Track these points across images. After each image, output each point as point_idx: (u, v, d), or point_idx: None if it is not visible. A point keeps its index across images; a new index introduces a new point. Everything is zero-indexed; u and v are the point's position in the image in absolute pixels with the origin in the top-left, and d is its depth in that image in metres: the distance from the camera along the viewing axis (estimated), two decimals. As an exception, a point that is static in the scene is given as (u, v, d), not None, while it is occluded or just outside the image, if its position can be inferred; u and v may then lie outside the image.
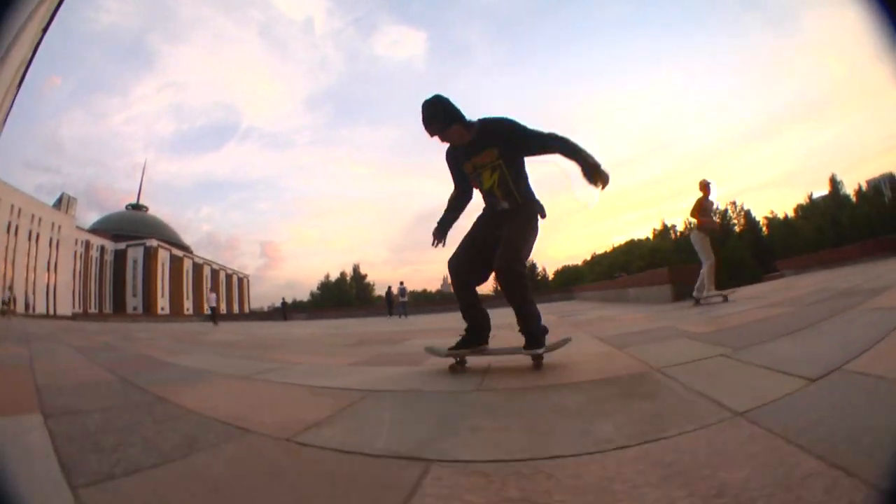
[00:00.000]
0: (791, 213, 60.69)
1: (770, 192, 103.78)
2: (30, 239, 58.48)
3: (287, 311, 32.31)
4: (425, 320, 13.53)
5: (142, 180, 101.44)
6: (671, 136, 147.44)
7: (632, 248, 67.00)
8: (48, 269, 61.19)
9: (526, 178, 2.75)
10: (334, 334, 8.14)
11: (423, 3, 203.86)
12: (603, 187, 2.54)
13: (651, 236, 70.02)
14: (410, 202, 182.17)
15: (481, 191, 2.81)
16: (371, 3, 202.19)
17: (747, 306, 5.22)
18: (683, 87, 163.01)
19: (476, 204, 2.97)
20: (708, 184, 7.33)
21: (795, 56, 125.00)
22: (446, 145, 2.79)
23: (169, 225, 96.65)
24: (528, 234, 2.69)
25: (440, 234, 2.97)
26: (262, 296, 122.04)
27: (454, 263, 2.77)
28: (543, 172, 2.89)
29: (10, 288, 22.35)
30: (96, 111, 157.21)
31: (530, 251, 2.74)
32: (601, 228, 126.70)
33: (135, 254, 79.50)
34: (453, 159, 2.85)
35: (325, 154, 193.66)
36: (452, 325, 6.22)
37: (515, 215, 2.69)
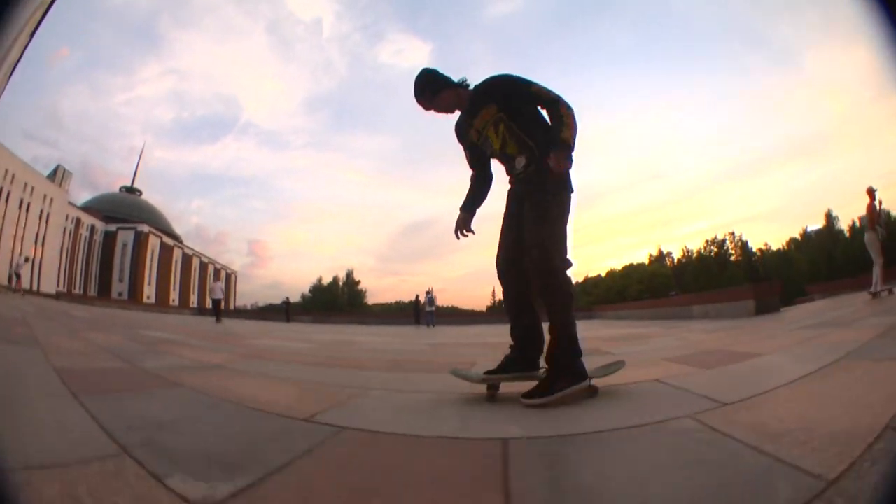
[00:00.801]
0: (783, 246, 62.58)
1: (762, 225, 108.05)
2: (20, 208, 55.71)
3: (290, 312, 30.33)
4: (475, 331, 12.25)
5: (138, 163, 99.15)
6: (667, 165, 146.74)
7: (630, 272, 67.06)
8: (36, 242, 58.33)
9: (544, 126, 2.26)
10: (437, 345, 6.83)
11: (433, 16, 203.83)
12: (556, 168, 2.10)
13: (647, 262, 70.45)
14: (400, 213, 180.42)
15: (497, 158, 2.44)
16: (381, 10, 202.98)
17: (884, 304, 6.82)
18: (681, 118, 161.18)
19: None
20: (874, 190, 8.35)
21: (794, 93, 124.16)
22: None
23: (161, 212, 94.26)
24: (556, 208, 2.20)
25: (463, 222, 2.53)
26: (246, 294, 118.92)
27: (500, 262, 2.35)
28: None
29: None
30: (99, 88, 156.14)
31: (565, 235, 2.21)
32: (591, 252, 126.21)
33: (125, 237, 76.71)
34: (460, 133, 2.52)
35: (321, 158, 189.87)
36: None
37: (538, 180, 2.22)
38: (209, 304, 19.13)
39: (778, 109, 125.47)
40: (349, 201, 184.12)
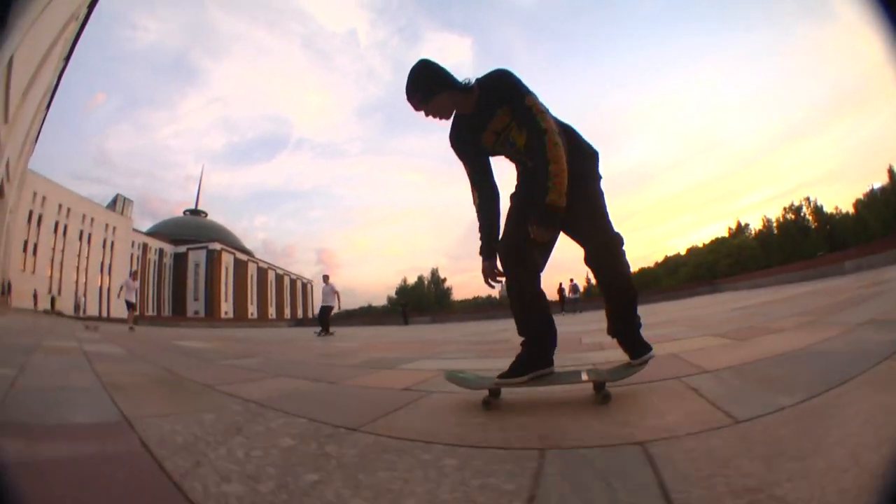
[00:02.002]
0: (851, 208, 58.91)
1: (823, 188, 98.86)
2: (80, 239, 52.98)
3: (408, 314, 27.27)
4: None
5: (199, 186, 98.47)
6: (718, 135, 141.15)
7: (717, 247, 66.38)
8: (101, 271, 56.31)
9: (557, 122, 1.98)
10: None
11: (464, 9, 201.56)
12: (532, 235, 1.87)
13: (727, 235, 69.87)
14: (464, 210, 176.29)
15: (518, 159, 2.10)
16: (413, 12, 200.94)
17: None
18: (725, 83, 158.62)
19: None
20: None
21: (832, 43, 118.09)
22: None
23: (230, 230, 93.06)
24: (597, 186, 2.03)
25: (490, 269, 2.08)
26: (319, 302, 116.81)
27: (506, 246, 2.03)
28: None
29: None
30: (143, 125, 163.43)
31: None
32: (654, 233, 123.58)
33: (197, 257, 74.66)
34: (460, 142, 2.11)
35: (378, 163, 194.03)
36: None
37: (586, 172, 1.98)
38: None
39: (818, 63, 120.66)
40: (411, 202, 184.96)
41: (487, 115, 1.97)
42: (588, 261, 1.97)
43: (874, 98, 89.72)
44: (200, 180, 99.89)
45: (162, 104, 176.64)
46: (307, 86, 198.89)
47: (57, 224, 49.72)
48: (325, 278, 12.79)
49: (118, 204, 64.67)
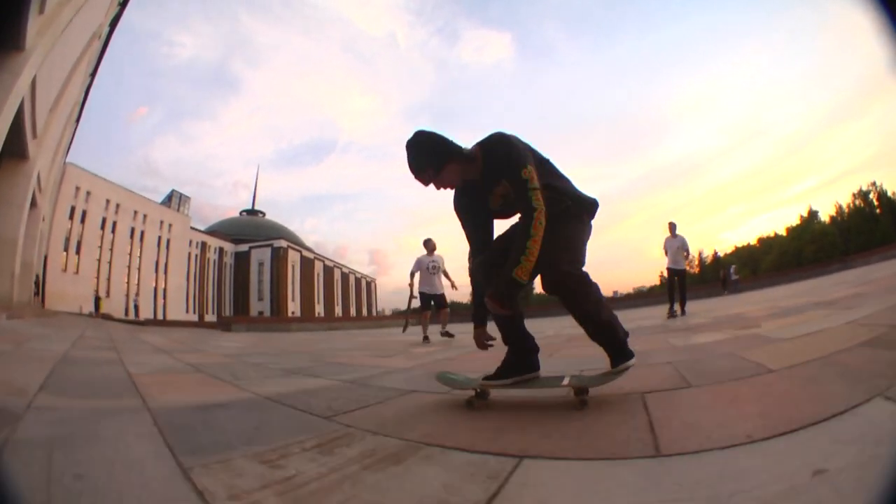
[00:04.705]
0: None
1: (870, 173, 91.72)
2: (132, 237, 49.11)
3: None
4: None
5: (255, 186, 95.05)
6: (763, 121, 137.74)
7: (799, 233, 67.74)
8: (156, 271, 52.07)
9: (561, 177, 2.08)
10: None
11: (501, 5, 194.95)
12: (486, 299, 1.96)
13: (798, 222, 71.43)
14: None
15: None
16: (449, 12, 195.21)
17: None
18: (768, 67, 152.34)
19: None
20: None
21: (865, 23, 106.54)
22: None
23: (290, 229, 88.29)
24: (579, 230, 2.01)
25: (480, 336, 2.16)
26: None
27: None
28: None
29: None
30: (188, 136, 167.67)
31: (585, 251, 2.02)
32: (705, 226, 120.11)
33: (261, 256, 69.74)
34: (464, 208, 2.12)
35: None
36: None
37: (560, 215, 1.96)
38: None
39: (854, 43, 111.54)
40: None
41: (492, 182, 1.97)
42: (545, 289, 1.92)
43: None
44: (256, 180, 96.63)
45: (205, 115, 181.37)
46: (351, 90, 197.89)
47: (104, 220, 45.01)
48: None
49: (174, 200, 60.27)
